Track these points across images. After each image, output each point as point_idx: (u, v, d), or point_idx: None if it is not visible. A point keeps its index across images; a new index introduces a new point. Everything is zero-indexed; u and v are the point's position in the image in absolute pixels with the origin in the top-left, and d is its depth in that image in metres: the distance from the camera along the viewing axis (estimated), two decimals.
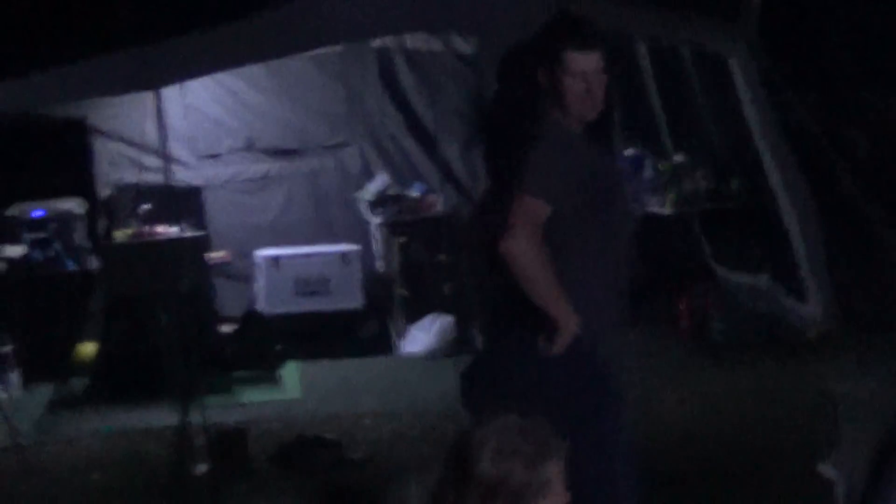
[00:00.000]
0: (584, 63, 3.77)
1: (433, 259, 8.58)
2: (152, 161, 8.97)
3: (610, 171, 3.95)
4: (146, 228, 8.42)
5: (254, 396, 7.77)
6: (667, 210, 8.58)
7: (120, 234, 8.55)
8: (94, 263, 8.64)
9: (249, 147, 9.59)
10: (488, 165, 4.06)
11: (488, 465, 2.68)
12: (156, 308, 7.66)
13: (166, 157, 7.66)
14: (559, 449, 2.74)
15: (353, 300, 8.98)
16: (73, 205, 8.72)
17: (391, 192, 9.18)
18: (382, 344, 8.79)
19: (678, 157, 9.07)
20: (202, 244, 8.51)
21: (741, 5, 8.06)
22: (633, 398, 4.17)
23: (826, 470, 4.14)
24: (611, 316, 3.87)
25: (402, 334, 8.72)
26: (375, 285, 9.16)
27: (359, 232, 9.41)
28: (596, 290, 3.81)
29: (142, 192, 8.85)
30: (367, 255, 9.23)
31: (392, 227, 8.98)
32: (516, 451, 2.68)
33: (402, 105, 9.74)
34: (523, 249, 3.65)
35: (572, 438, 3.72)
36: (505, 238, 3.65)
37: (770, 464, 5.93)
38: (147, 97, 8.54)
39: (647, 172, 8.86)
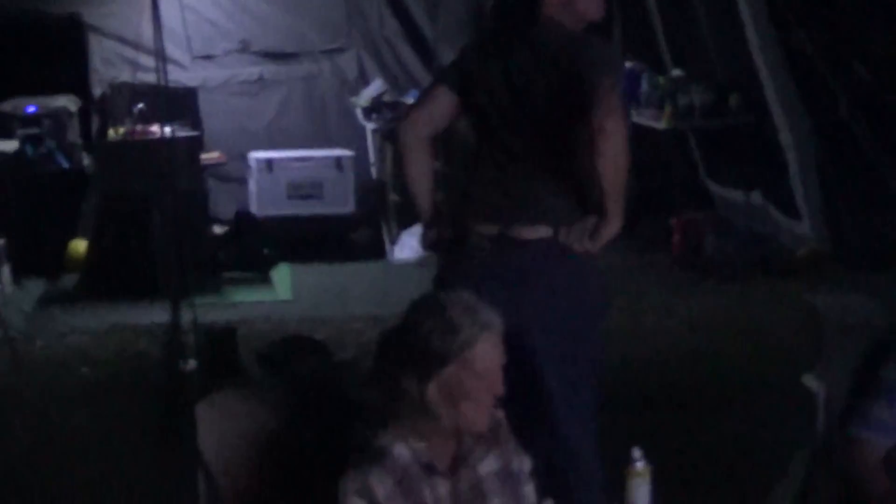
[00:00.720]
0: None
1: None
2: (147, 60, 8.94)
3: None
4: (140, 127, 8.39)
5: (245, 297, 7.80)
6: (662, 124, 8.54)
7: (113, 133, 8.52)
8: (87, 161, 8.64)
9: (245, 49, 9.54)
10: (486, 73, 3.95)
11: (409, 323, 2.76)
12: (148, 207, 7.66)
13: (161, 57, 7.58)
14: (490, 325, 2.77)
15: (345, 205, 9.00)
16: (67, 102, 8.69)
17: (386, 98, 9.15)
18: (374, 249, 8.81)
19: (676, 72, 9.02)
20: (196, 145, 8.49)
21: None
22: None
23: (810, 381, 4.17)
24: None
25: (394, 240, 8.74)
26: (369, 191, 9.16)
27: (354, 137, 9.40)
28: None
29: (136, 91, 8.82)
30: (362, 160, 9.22)
31: (386, 134, 8.96)
32: (437, 311, 2.74)
33: (401, 11, 9.69)
34: (623, 138, 3.66)
35: (566, 337, 3.80)
36: (613, 119, 3.62)
37: (757, 376, 5.99)
38: None
39: (644, 86, 8.81)
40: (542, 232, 3.78)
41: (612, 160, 3.65)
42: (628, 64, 9.07)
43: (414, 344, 2.74)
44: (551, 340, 3.78)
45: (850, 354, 3.38)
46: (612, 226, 3.71)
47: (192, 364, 6.02)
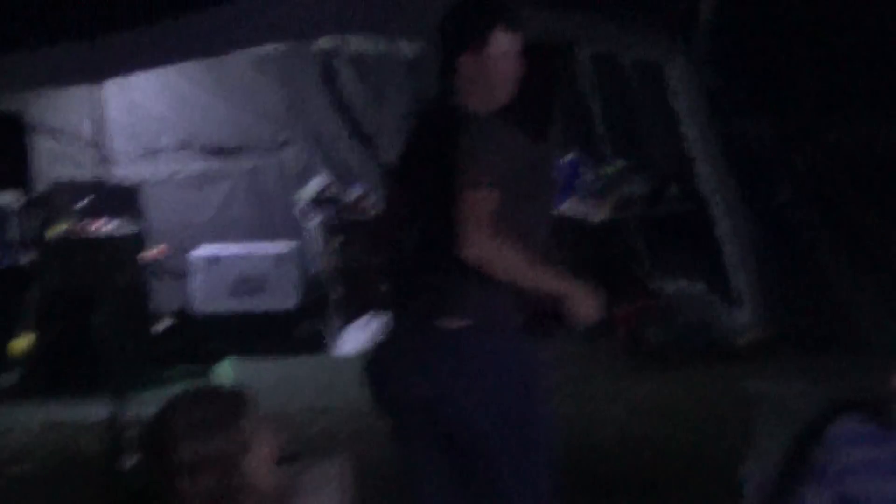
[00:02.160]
0: (510, 43, 3.76)
1: (370, 259, 8.59)
2: (90, 157, 8.95)
3: (539, 158, 3.89)
4: (81, 224, 8.38)
5: None
6: (604, 215, 8.62)
7: (55, 230, 8.50)
8: (27, 258, 8.58)
9: (190, 145, 9.58)
10: (408, 164, 3.94)
11: (184, 444, 2.68)
12: (91, 303, 7.64)
13: (104, 154, 7.63)
14: (250, 402, 2.75)
15: (289, 299, 8.97)
16: (9, 199, 8.66)
17: (330, 192, 9.19)
18: (318, 343, 8.79)
19: (617, 163, 9.13)
20: (138, 241, 8.47)
21: (681, 18, 8.15)
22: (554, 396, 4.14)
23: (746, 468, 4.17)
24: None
25: (337, 334, 8.73)
26: (312, 285, 9.16)
27: (298, 231, 9.42)
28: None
29: (79, 187, 8.82)
30: (305, 254, 9.23)
31: (330, 228, 8.99)
32: (205, 419, 2.69)
33: (344, 106, 9.77)
34: (490, 251, 3.54)
35: (498, 425, 3.77)
36: (466, 246, 3.51)
37: (696, 467, 6.00)
38: (87, 93, 8.52)
39: (586, 177, 8.91)
40: (458, 322, 3.69)
41: (499, 271, 3.56)
42: (568, 156, 9.20)
43: (209, 457, 2.70)
44: (483, 427, 3.74)
45: (785, 439, 3.39)
46: (579, 299, 3.65)
47: (131, 460, 6.01)
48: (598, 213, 8.67)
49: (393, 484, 5.89)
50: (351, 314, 8.73)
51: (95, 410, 6.83)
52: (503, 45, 3.75)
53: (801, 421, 3.33)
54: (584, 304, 3.67)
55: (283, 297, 8.95)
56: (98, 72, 7.05)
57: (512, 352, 3.75)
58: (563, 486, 5.40)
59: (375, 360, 3.95)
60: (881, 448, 3.08)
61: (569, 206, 9.02)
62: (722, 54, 8.09)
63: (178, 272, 9.23)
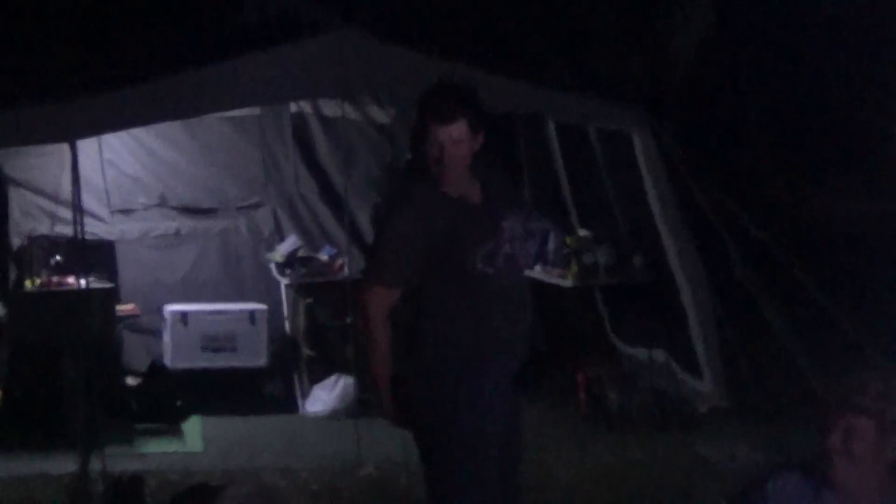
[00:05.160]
0: (443, 134, 4.29)
1: (338, 321, 8.75)
2: (66, 213, 9.08)
3: (468, 221, 4.41)
4: (55, 278, 8.50)
5: (155, 448, 7.84)
6: (568, 283, 8.79)
7: (29, 284, 8.62)
8: (1, 312, 8.68)
9: (163, 204, 9.71)
10: None
11: None
12: (62, 357, 7.74)
13: (79, 210, 7.72)
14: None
15: (258, 358, 9.09)
16: None
17: (301, 253, 9.33)
18: (286, 402, 8.91)
19: (583, 232, 9.31)
20: (111, 296, 8.60)
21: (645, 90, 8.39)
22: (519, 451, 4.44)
23: None
24: (485, 352, 4.33)
25: (305, 394, 8.85)
26: (282, 345, 9.28)
27: (268, 291, 9.54)
28: (459, 330, 4.31)
29: (54, 243, 8.94)
30: (276, 314, 9.36)
31: (299, 289, 9.13)
32: None
33: (316, 169, 9.94)
34: (365, 339, 4.36)
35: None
36: (357, 326, 4.35)
37: None
38: (64, 150, 8.61)
39: (551, 245, 9.06)
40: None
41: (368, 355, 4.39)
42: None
43: None
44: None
45: (722, 498, 3.55)
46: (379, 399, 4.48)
47: None
48: (562, 281, 8.84)
49: None
50: (318, 375, 8.85)
51: (63, 464, 6.93)
52: (437, 136, 4.30)
53: (737, 481, 3.50)
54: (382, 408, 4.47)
55: (252, 356, 9.07)
56: (73, 132, 7.17)
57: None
58: None
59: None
60: None
61: (538, 272, 9.19)
62: (687, 129, 8.32)
63: (151, 329, 9.35)
